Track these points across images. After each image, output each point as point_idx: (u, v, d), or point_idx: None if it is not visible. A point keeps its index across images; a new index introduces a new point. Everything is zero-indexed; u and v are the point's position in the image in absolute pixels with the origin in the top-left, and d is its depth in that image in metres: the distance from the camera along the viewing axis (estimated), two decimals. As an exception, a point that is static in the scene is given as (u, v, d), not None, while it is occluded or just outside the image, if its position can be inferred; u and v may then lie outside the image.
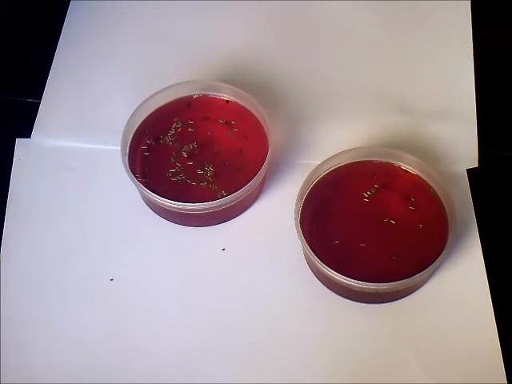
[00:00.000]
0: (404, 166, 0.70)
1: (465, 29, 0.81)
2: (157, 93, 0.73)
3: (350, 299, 0.66)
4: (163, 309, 0.66)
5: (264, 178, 0.71)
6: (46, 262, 0.69)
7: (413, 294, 0.66)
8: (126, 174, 0.68)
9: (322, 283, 0.67)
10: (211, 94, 0.75)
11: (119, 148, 0.70)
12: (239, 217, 0.71)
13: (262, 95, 0.74)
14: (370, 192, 0.69)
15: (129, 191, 0.71)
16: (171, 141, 0.72)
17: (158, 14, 0.84)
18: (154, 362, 0.64)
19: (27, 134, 0.76)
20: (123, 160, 0.69)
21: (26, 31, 0.84)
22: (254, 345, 0.64)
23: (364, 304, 0.66)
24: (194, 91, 0.74)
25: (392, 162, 0.70)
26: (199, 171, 0.70)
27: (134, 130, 0.72)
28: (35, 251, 0.69)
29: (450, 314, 0.65)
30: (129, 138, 0.72)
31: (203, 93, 0.75)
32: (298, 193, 0.67)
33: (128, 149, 0.71)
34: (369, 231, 0.67)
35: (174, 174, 0.70)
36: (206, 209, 0.67)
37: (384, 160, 0.70)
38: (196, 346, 0.64)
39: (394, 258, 0.65)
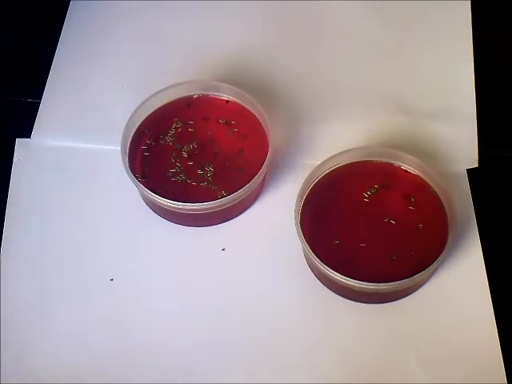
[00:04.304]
0: (404, 166, 0.70)
1: (465, 29, 0.81)
2: (157, 93, 0.73)
3: (350, 299, 0.66)
4: (163, 309, 0.66)
5: (264, 178, 0.71)
6: (46, 262, 0.69)
7: (413, 294, 0.66)
8: (126, 174, 0.68)
9: (322, 283, 0.67)
10: (211, 93, 0.75)
11: (119, 148, 0.70)
12: (239, 217, 0.71)
13: (262, 95, 0.74)
14: (370, 192, 0.69)
15: (129, 191, 0.71)
16: (171, 141, 0.72)
17: (157, 14, 0.84)
18: (153, 362, 0.64)
19: (27, 134, 0.76)
20: (123, 160, 0.69)
21: (26, 31, 0.84)
22: (254, 345, 0.64)
23: (364, 304, 0.66)
24: (193, 91, 0.74)
25: (392, 162, 0.70)
26: (199, 171, 0.70)
27: (133, 130, 0.72)
28: (35, 251, 0.69)
29: (449, 314, 0.65)
30: (129, 138, 0.72)
31: (203, 93, 0.75)
32: (297, 193, 0.67)
33: (128, 149, 0.71)
34: (369, 231, 0.67)
35: (174, 174, 0.70)
36: (206, 209, 0.67)
37: (384, 160, 0.70)
38: (196, 345, 0.64)
39: (394, 258, 0.65)
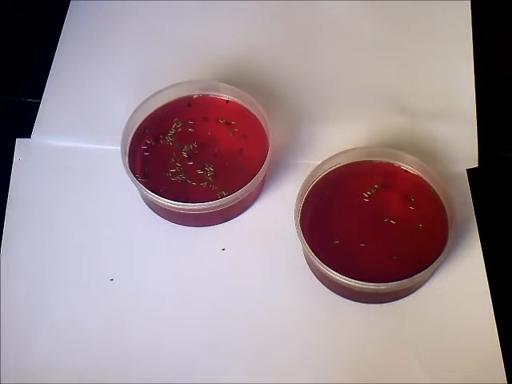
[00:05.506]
0: (404, 166, 0.70)
1: (465, 29, 0.81)
2: (157, 93, 0.73)
3: (350, 299, 0.66)
4: (163, 309, 0.66)
5: (264, 178, 0.71)
6: (45, 262, 0.69)
7: (413, 294, 0.66)
8: (126, 174, 0.68)
9: (322, 283, 0.67)
10: (211, 94, 0.75)
11: (119, 148, 0.70)
12: (239, 217, 0.71)
13: (262, 95, 0.74)
14: (370, 192, 0.69)
15: (129, 191, 0.71)
16: (171, 141, 0.72)
17: (157, 14, 0.84)
18: (154, 362, 0.64)
19: (27, 134, 0.76)
20: (123, 160, 0.69)
21: (26, 31, 0.84)
22: (254, 344, 0.64)
23: (364, 304, 0.66)
24: (194, 91, 0.74)
25: (392, 162, 0.70)
26: (199, 171, 0.70)
27: (134, 130, 0.72)
28: (35, 251, 0.69)
29: (449, 314, 0.65)
30: (129, 138, 0.72)
31: (203, 93, 0.75)
32: (297, 193, 0.67)
33: (128, 149, 0.71)
34: (369, 231, 0.67)
35: (174, 174, 0.70)
36: (206, 209, 0.67)
37: (384, 160, 0.70)
38: (196, 345, 0.64)
39: (394, 258, 0.65)
